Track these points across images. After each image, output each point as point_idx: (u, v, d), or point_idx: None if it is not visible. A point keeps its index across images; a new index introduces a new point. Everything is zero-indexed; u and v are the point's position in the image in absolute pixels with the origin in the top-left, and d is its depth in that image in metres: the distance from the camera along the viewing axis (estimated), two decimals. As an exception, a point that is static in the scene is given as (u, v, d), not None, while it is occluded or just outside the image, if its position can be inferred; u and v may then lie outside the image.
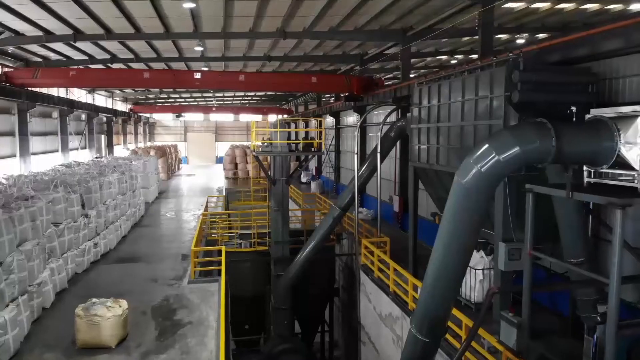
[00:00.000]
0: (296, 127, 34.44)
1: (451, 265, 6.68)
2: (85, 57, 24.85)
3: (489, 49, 15.41)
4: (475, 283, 11.36)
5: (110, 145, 41.31)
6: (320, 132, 19.60)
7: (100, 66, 25.72)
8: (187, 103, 55.83)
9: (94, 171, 19.88)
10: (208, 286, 13.33)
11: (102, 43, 21.93)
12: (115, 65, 25.90)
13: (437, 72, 12.65)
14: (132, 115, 49.51)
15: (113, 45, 22.56)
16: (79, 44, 22.17)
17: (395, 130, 15.38)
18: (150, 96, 48.49)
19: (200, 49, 20.89)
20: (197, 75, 21.33)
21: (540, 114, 9.08)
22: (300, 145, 15.88)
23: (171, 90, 42.37)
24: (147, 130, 64.39)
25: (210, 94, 46.44)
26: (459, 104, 10.95)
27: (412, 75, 22.85)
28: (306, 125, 43.29)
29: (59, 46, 22.57)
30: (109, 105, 44.76)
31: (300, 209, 24.80)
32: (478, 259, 11.56)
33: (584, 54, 10.17)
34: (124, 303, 10.50)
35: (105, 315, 9.97)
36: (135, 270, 15.53)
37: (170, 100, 53.15)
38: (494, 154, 6.04)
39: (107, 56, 24.68)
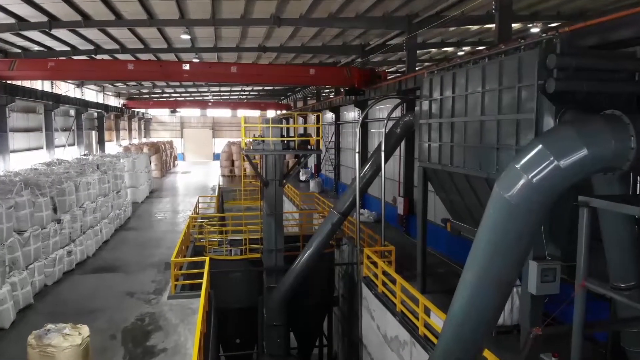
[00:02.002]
0: (291, 123, 32.84)
1: (485, 302, 5.11)
2: (68, 48, 23.29)
3: (507, 37, 13.78)
4: (495, 303, 9.79)
5: (101, 142, 39.70)
6: (318, 129, 17.98)
7: (84, 57, 24.10)
8: (182, 98, 54.14)
9: (73, 170, 18.33)
10: (190, 302, 11.80)
11: (83, 32, 20.34)
12: (101, 57, 24.29)
13: (452, 60, 11.07)
14: (125, 110, 47.88)
15: (95, 35, 20.96)
16: (58, 33, 20.67)
17: (402, 127, 13.79)
18: (144, 91, 46.85)
19: (187, 37, 19.28)
20: (186, 67, 19.71)
21: (579, 106, 7.62)
22: (295, 142, 14.24)
23: (165, 84, 40.71)
24: (142, 126, 62.77)
25: (206, 89, 44.76)
26: (478, 96, 9.37)
27: (417, 68, 21.22)
28: (304, 121, 41.66)
29: (38, 36, 20.97)
30: (100, 100, 43.11)
31: (298, 211, 23.21)
32: (498, 274, 9.99)
33: (627, 37, 8.59)
34: (85, 330, 8.93)
35: (61, 346, 8.42)
36: (112, 281, 14.01)
37: (165, 95, 51.49)
38: (551, 159, 4.44)
39: (91, 47, 23.11)
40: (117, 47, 22.96)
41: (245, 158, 14.46)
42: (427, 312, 9.26)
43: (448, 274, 14.12)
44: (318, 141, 15.23)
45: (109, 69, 19.97)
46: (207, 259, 12.49)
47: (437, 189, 11.96)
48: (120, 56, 24.01)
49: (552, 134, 5.02)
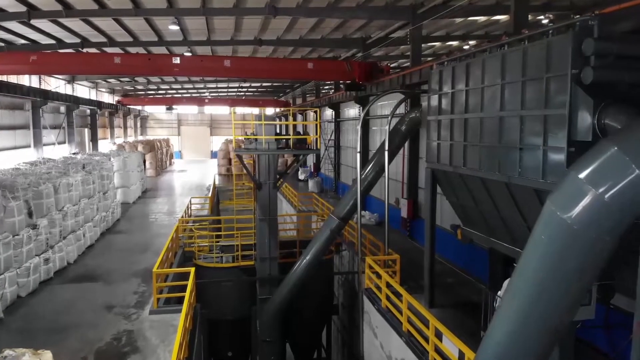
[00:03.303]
0: (288, 120, 31.61)
1: (527, 350, 3.93)
2: (53, 42, 22.12)
3: (523, 27, 12.58)
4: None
5: (94, 140, 38.47)
6: (316, 126, 16.81)
7: (71, 51, 22.89)
8: (179, 95, 52.92)
9: (55, 171, 17.19)
10: (173, 318, 10.63)
11: (67, 23, 19.20)
12: (88, 51, 23.10)
13: (464, 50, 9.93)
14: (120, 107, 46.64)
15: (81, 27, 19.78)
16: (41, 25, 19.56)
17: (407, 123, 12.63)
18: (139, 87, 45.60)
19: (175, 27, 18.07)
20: (176, 61, 18.48)
21: (620, 100, 6.49)
22: (291, 141, 13.08)
23: (159, 80, 39.48)
24: (139, 123, 61.59)
25: (202, 85, 43.52)
26: (497, 89, 8.21)
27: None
28: (304, 119, 40.46)
29: (20, 28, 19.81)
30: (93, 97, 41.88)
31: (295, 214, 22.04)
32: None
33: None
34: (47, 356, 7.82)
35: (17, 376, 7.33)
36: (91, 292, 12.88)
37: (160, 91, 50.24)
38: (632, 168, 3.26)
39: (77, 40, 21.94)
40: (104, 40, 21.79)
41: (237, 158, 13.29)
42: (438, 335, 8.11)
43: (457, 284, 12.98)
44: (316, 139, 14.07)
45: (93, 63, 18.75)
46: (192, 270, 11.31)
47: (447, 193, 10.80)
48: (109, 49, 22.84)
49: (630, 133, 3.80)
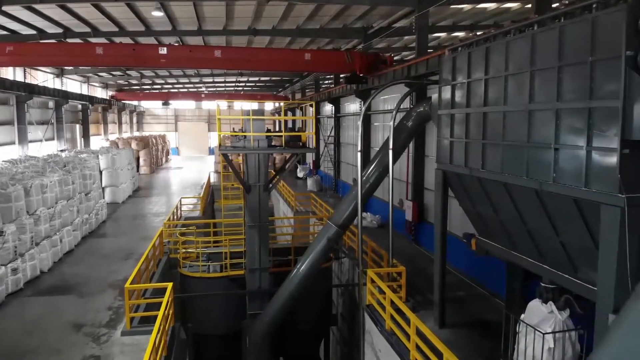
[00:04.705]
0: (287, 115, 30.12)
1: None
2: (34, 32, 20.75)
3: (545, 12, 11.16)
4: (542, 353, 7.34)
5: (86, 136, 37.16)
6: (312, 122, 15.44)
7: (53, 41, 21.54)
8: (175, 90, 51.48)
9: (30, 171, 15.89)
10: (147, 341, 9.29)
11: (45, 11, 17.87)
12: (72, 42, 21.72)
13: (484, 33, 8.52)
14: (114, 102, 45.26)
15: (61, 15, 18.41)
16: (17, 13, 18.18)
17: (415, 119, 11.25)
18: (133, 81, 44.20)
19: (160, 14, 16.69)
20: (163, 51, 17.11)
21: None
22: (283, 138, 11.74)
23: (154, 74, 38.11)
24: (134, 119, 60.26)
25: (198, 79, 42.10)
26: (525, 77, 6.85)
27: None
28: (302, 115, 39.05)
29: (-3, 17, 18.44)
30: (85, 92, 40.48)
31: (290, 217, 20.68)
32: (545, 314, 7.56)
33: None
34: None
35: None
36: (61, 307, 11.59)
37: (156, 86, 48.83)
38: None
39: (60, 30, 20.56)
40: (88, 30, 20.43)
41: (223, 158, 11.93)
42: (454, 372, 6.79)
43: (470, 299, 11.64)
44: (314, 136, 12.72)
45: (74, 53, 17.37)
46: (169, 285, 9.97)
47: (461, 199, 9.45)
48: (93, 40, 21.45)
49: None
